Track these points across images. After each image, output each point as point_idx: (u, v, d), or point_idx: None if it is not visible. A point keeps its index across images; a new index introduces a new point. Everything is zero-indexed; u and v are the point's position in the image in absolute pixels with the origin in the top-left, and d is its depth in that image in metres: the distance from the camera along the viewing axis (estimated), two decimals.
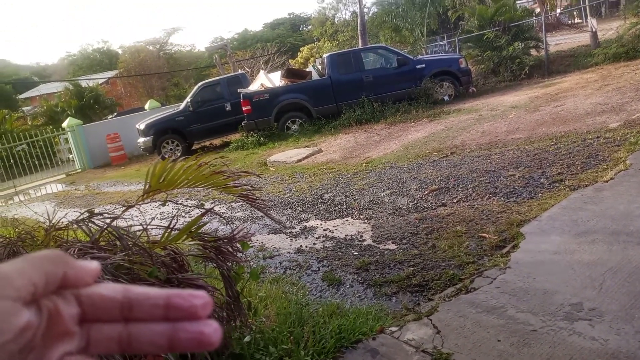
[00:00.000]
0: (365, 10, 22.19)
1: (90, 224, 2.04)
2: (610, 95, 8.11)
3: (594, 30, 14.47)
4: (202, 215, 2.17)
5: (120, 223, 2.26)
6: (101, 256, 1.78)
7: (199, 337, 0.34)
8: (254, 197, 2.42)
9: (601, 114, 6.93)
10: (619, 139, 5.51)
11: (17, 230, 2.40)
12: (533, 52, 14.41)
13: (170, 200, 2.26)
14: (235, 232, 2.23)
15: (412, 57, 13.11)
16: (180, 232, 2.08)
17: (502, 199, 4.59)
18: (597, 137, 5.81)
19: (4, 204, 11.60)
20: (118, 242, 1.92)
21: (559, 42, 18.43)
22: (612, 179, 4.36)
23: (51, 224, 2.31)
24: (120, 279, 1.79)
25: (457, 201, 4.82)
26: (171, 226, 2.13)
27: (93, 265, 0.36)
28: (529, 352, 2.30)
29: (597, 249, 3.18)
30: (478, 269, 3.27)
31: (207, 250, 2.11)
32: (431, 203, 4.93)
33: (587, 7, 17.46)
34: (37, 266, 0.33)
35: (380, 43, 20.85)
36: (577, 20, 28.34)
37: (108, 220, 2.02)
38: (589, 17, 16.01)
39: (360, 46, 16.60)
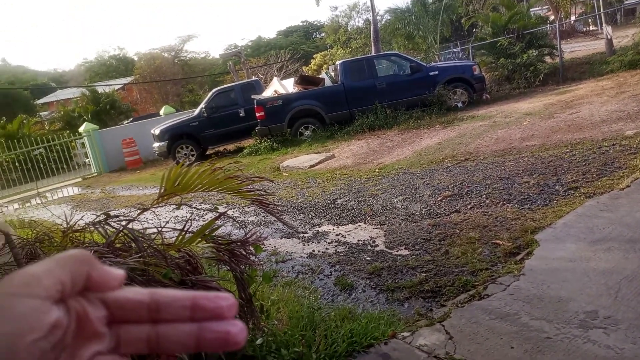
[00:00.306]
0: (378, 17, 22.28)
1: (106, 226, 2.07)
2: (626, 103, 8.02)
3: (609, 37, 14.35)
4: (216, 218, 2.20)
5: (136, 226, 2.29)
6: (116, 259, 1.81)
7: (226, 336, 0.35)
8: (267, 202, 2.44)
9: (617, 122, 6.86)
10: (635, 146, 5.45)
11: (35, 231, 2.45)
12: (547, 59, 14.32)
13: (184, 204, 2.29)
14: (248, 236, 2.25)
15: (425, 64, 13.10)
16: (194, 234, 2.10)
17: (516, 205, 4.56)
18: (613, 144, 5.75)
19: (22, 206, 11.78)
20: (133, 244, 1.95)
21: (574, 49, 18.29)
22: (628, 186, 4.31)
23: (68, 226, 2.35)
24: (135, 280, 1.82)
25: (470, 208, 4.80)
26: (185, 229, 2.16)
27: (118, 271, 0.37)
28: None
29: (613, 257, 3.14)
30: (491, 275, 3.25)
31: (220, 253, 2.13)
32: (444, 209, 4.91)
33: (602, 14, 17.31)
34: (63, 266, 0.34)
35: (393, 50, 20.87)
36: (592, 28, 28.11)
37: (124, 223, 2.05)
38: (604, 25, 15.87)
39: (373, 53, 16.63)
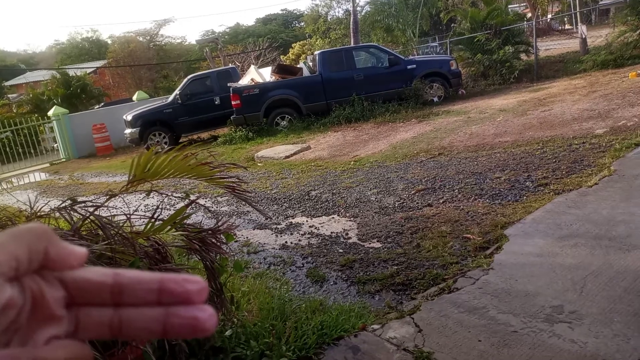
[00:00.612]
0: (358, 8, 22.18)
1: (72, 212, 2.01)
2: (598, 102, 8.21)
3: (583, 36, 14.64)
4: (187, 206, 2.15)
5: (103, 213, 2.23)
6: (82, 244, 1.75)
7: (193, 322, 0.33)
8: (241, 190, 2.40)
9: (588, 120, 7.01)
10: (604, 145, 5.58)
11: None
12: (523, 56, 14.53)
13: (155, 191, 2.24)
14: (219, 225, 2.21)
15: (403, 57, 13.14)
16: (164, 222, 2.06)
17: (487, 200, 4.62)
18: (583, 142, 5.88)
19: None
20: (100, 232, 1.90)
21: (549, 47, 18.61)
22: (596, 184, 4.41)
23: (33, 212, 2.28)
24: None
25: (443, 202, 4.84)
26: (155, 217, 2.11)
27: (80, 249, 0.34)
28: (509, 353, 2.32)
29: (579, 253, 3.21)
30: (461, 269, 3.28)
31: (191, 242, 2.09)
32: (417, 203, 4.95)
33: (578, 13, 17.64)
34: (19, 240, 0.31)
35: (372, 42, 20.86)
36: (567, 27, 28.65)
37: (91, 209, 1.98)
38: (579, 24, 16.17)
39: (352, 44, 16.60)
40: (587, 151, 5.50)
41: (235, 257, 3.78)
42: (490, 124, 8.31)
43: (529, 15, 23.72)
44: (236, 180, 2.42)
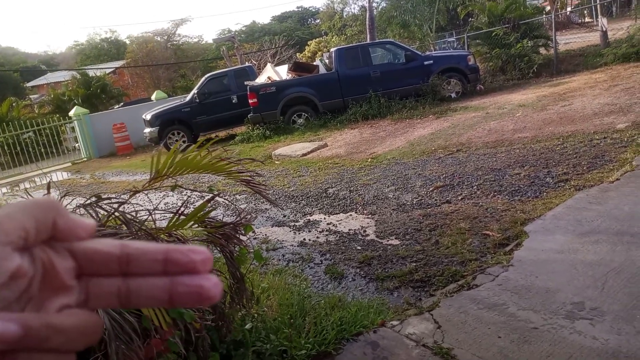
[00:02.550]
0: (374, 4, 22.08)
1: (97, 209, 2.06)
2: (619, 96, 8.06)
3: (604, 29, 14.36)
4: (208, 201, 2.19)
5: (126, 210, 2.27)
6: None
7: (199, 290, 0.33)
8: (255, 183, 2.44)
9: (609, 115, 6.90)
10: (626, 140, 5.49)
11: None
12: (542, 50, 14.31)
13: (179, 186, 2.29)
14: (239, 219, 2.25)
15: (420, 53, 13.05)
16: (187, 217, 2.10)
17: (506, 197, 4.59)
18: (604, 137, 5.79)
19: (10, 191, 11.67)
20: (124, 227, 1.94)
21: (569, 41, 18.30)
22: (618, 179, 4.35)
23: None
24: None
25: (461, 198, 4.82)
26: (179, 212, 2.16)
27: (88, 221, 0.35)
28: (529, 349, 2.31)
29: (601, 249, 3.17)
30: (480, 266, 3.27)
31: (213, 235, 2.14)
32: (435, 200, 4.93)
33: (598, 5, 17.31)
34: (27, 211, 0.32)
35: (389, 38, 20.77)
36: (587, 19, 28.11)
37: (115, 205, 2.03)
38: (599, 16, 15.87)
39: (368, 41, 16.54)
40: (609, 146, 5.42)
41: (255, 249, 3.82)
42: (509, 119, 8.22)
43: (548, 8, 23.33)
44: (252, 174, 2.47)
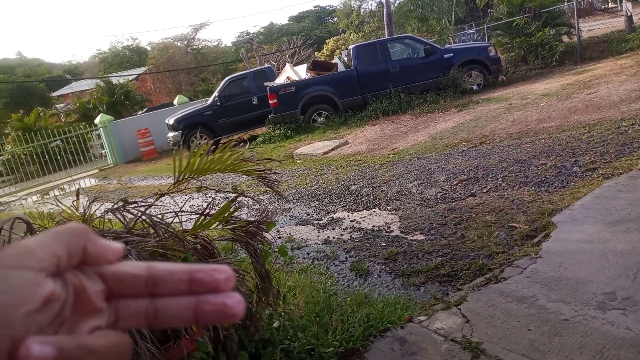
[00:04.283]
0: (392, 0, 21.95)
1: (124, 213, 2.10)
2: None
3: (629, 14, 13.99)
4: (233, 201, 2.23)
5: (152, 213, 2.32)
6: (135, 241, 1.84)
7: (223, 308, 0.35)
8: (270, 179, 2.49)
9: (636, 101, 6.72)
10: None
11: (54, 221, 2.49)
12: (565, 38, 14.02)
13: (204, 187, 2.33)
14: (263, 217, 2.28)
15: (439, 47, 12.91)
16: (213, 216, 2.14)
17: (533, 188, 4.51)
18: (632, 124, 5.64)
19: (41, 198, 11.99)
20: (151, 230, 1.98)
21: (592, 27, 17.88)
22: None
23: (87, 214, 2.39)
24: None
25: (486, 191, 4.76)
26: (204, 213, 2.19)
27: (116, 245, 0.36)
28: (560, 342, 2.27)
29: (632, 238, 3.10)
30: (508, 258, 3.23)
31: (238, 234, 2.17)
32: (460, 193, 4.88)
33: None
34: (59, 238, 0.34)
35: (407, 33, 20.60)
36: (611, 5, 27.40)
37: (142, 209, 2.07)
38: (624, 1, 15.46)
39: (386, 37, 16.45)
40: (637, 133, 5.28)
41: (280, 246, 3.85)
42: (533, 109, 8.08)
43: None
44: (270, 172, 2.52)
